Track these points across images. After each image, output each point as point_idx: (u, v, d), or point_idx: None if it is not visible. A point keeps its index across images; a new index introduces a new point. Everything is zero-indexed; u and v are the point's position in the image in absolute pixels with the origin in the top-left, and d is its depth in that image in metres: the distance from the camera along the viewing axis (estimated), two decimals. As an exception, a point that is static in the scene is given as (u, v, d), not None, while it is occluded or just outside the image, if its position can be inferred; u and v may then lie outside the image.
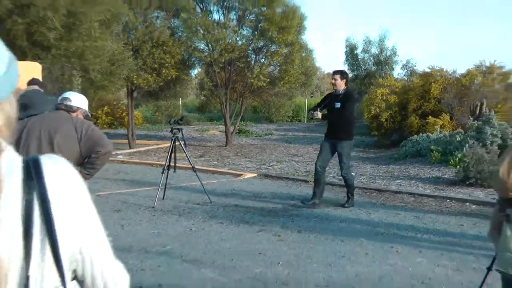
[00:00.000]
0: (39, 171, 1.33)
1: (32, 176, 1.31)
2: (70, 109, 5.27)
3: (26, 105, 4.96)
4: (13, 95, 1.42)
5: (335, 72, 9.58)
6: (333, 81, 9.52)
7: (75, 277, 1.42)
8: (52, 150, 4.61)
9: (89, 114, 5.68)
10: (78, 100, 5.44)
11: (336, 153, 9.55)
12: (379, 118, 20.58)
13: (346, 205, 9.73)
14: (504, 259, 3.47)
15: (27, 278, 1.26)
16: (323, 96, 10.01)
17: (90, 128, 5.01)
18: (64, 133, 4.77)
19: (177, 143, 10.46)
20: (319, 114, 9.49)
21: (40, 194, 1.30)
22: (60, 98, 5.35)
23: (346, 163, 9.49)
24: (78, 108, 5.31)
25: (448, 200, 10.43)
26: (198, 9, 20.24)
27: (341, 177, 9.94)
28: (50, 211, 1.29)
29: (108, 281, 1.45)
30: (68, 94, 5.47)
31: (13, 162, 1.34)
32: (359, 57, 34.35)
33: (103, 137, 5.08)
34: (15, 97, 1.44)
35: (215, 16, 20.49)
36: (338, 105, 9.32)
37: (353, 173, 13.71)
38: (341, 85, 9.39)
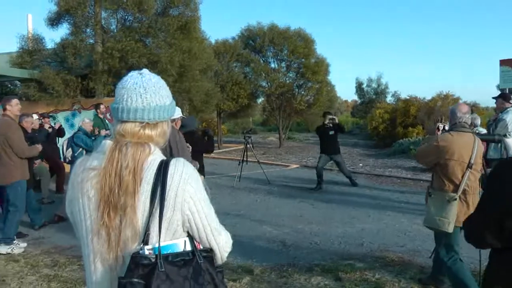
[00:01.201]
0: (166, 168, 1.34)
1: (161, 171, 1.34)
2: (173, 120, 4.82)
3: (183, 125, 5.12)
4: (169, 119, 1.46)
5: (325, 113, 9.79)
6: (327, 120, 9.49)
7: (188, 234, 1.39)
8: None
9: (183, 115, 5.51)
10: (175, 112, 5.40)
11: (331, 161, 9.64)
12: (378, 128, 20.17)
13: (354, 185, 9.63)
14: (426, 218, 3.77)
15: (147, 234, 1.31)
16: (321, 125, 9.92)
17: (174, 140, 4.42)
18: None
19: (248, 145, 10.56)
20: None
21: (161, 183, 1.32)
22: None
23: (344, 166, 9.65)
24: (176, 118, 4.89)
25: (421, 181, 10.11)
26: (261, 61, 20.36)
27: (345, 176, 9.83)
28: (164, 195, 1.31)
29: (211, 241, 1.41)
30: None
31: (154, 161, 1.36)
32: (364, 89, 34.01)
33: (183, 150, 4.55)
34: (171, 121, 1.50)
35: (272, 65, 20.57)
36: (331, 132, 9.37)
37: (360, 164, 13.58)
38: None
